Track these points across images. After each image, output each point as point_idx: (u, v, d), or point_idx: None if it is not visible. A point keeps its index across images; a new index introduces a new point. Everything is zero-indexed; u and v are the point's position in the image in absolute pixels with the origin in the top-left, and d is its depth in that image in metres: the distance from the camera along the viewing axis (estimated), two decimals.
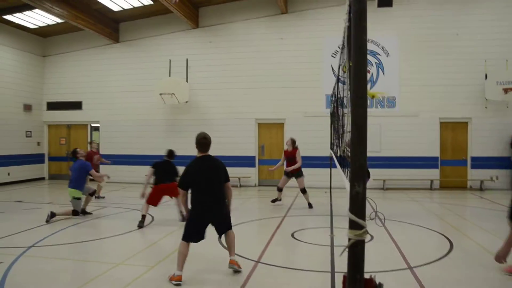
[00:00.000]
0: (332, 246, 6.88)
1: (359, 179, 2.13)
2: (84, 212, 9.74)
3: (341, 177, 5.27)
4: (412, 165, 14.97)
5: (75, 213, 9.37)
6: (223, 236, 5.69)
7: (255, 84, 15.93)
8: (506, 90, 14.18)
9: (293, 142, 11.19)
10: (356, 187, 2.13)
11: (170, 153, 9.42)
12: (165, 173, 9.01)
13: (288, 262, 6.09)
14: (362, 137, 2.16)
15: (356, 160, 2.15)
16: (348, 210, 2.16)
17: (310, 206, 10.82)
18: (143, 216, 8.63)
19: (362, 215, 2.13)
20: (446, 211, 10.83)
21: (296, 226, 8.63)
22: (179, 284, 5.04)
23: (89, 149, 13.08)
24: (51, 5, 13.78)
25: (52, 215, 8.97)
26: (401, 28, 15.30)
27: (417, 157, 14.94)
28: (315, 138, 15.13)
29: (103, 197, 12.86)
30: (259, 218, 9.80)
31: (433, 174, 15.02)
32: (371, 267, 5.74)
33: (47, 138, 18.60)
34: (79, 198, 9.39)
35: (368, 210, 2.20)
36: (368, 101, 14.97)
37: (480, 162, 14.91)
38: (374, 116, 14.65)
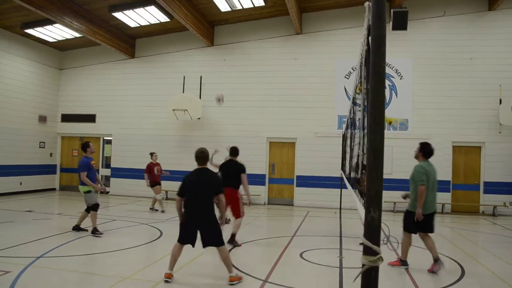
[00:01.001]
0: (341, 267, 6.80)
1: (375, 204, 2.12)
2: (78, 228, 9.17)
3: (352, 198, 5.24)
4: None
5: (88, 210, 9.06)
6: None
7: (268, 103, 16.01)
8: None
9: None
10: (372, 213, 2.11)
11: (234, 150, 8.84)
12: (228, 175, 8.37)
13: (296, 283, 6.03)
14: (378, 163, 2.15)
15: (372, 186, 2.14)
16: (363, 236, 2.15)
17: None
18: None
19: (376, 241, 2.11)
20: (458, 236, 10.66)
21: (304, 246, 8.55)
22: (167, 281, 5.70)
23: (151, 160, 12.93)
24: (70, 20, 14.10)
25: (77, 228, 9.09)
26: (415, 51, 15.33)
27: None
28: (326, 158, 15.11)
29: (157, 210, 12.83)
30: (267, 237, 9.74)
31: (445, 198, 14.83)
32: None
33: (60, 149, 18.81)
34: (89, 191, 8.98)
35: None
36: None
37: (493, 187, 14.71)
38: (386, 138, 14.29)
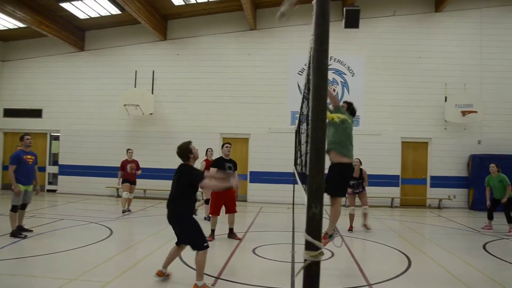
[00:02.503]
0: (293, 262, 6.84)
1: (316, 200, 2.13)
2: (21, 230, 8.33)
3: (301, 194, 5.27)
4: (374, 183, 15.15)
5: (14, 209, 8.22)
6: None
7: (221, 98, 15.90)
8: (464, 113, 14.78)
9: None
10: (313, 208, 2.12)
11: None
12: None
13: (248, 279, 6.01)
14: (320, 159, 2.17)
15: (313, 182, 2.15)
16: (305, 231, 2.15)
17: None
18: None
19: (318, 237, 2.12)
20: (406, 228, 11.04)
21: (257, 242, 8.56)
22: (156, 276, 5.62)
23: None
24: (13, 8, 13.39)
25: (20, 230, 8.36)
26: (367, 49, 15.70)
27: (379, 175, 15.19)
28: (279, 154, 15.20)
29: (130, 211, 11.99)
30: (220, 233, 9.68)
31: (394, 192, 15.33)
32: (331, 283, 5.76)
33: (2, 146, 17.90)
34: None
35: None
36: None
37: (439, 181, 15.35)
38: None
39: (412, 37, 15.68)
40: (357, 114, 15.20)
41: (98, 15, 15.50)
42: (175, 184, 5.51)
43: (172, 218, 5.49)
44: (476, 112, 14.79)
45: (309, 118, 2.39)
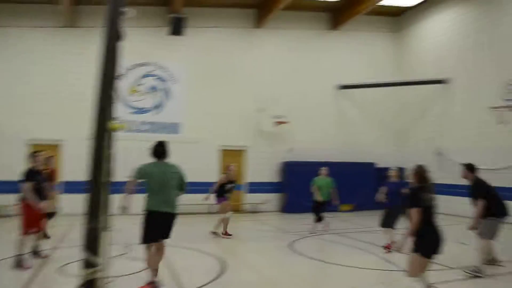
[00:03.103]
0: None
1: (94, 215, 1.99)
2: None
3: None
4: (193, 190, 15.28)
5: None
6: None
7: (28, 100, 14.18)
8: (277, 123, 16.04)
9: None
10: (91, 223, 1.98)
11: None
12: None
13: None
14: (97, 172, 2.04)
15: (91, 196, 2.02)
16: (82, 248, 1.95)
17: None
18: None
19: (95, 252, 1.96)
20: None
21: (67, 258, 7.67)
22: None
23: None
24: None
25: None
26: (189, 57, 15.91)
27: (198, 182, 15.32)
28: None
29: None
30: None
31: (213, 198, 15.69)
32: None
33: None
34: None
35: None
36: (149, 126, 14.97)
37: (255, 187, 16.32)
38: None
39: (233, 49, 16.44)
40: (177, 121, 15.42)
41: None
42: None
43: None
44: (287, 122, 16.17)
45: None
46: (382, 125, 18.34)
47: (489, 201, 6.83)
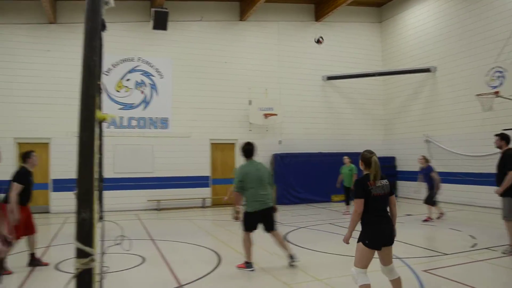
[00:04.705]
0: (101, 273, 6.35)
1: (85, 205, 1.99)
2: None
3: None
4: (185, 184, 15.37)
5: None
6: None
7: (13, 98, 13.93)
8: (266, 116, 16.02)
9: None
10: (83, 213, 2.00)
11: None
12: None
13: None
14: (88, 160, 2.04)
15: (82, 185, 2.02)
16: (75, 238, 1.97)
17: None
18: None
19: (89, 242, 1.98)
20: (217, 227, 11.44)
21: (61, 256, 7.61)
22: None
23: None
24: None
25: None
26: (175, 51, 15.78)
27: (190, 177, 15.43)
28: None
29: None
30: (20, 250, 8.48)
31: (205, 192, 15.73)
32: None
33: None
34: None
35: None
36: (142, 122, 14.89)
37: None
38: (146, 137, 14.70)
39: (219, 42, 16.35)
40: (166, 116, 15.34)
41: None
42: None
43: None
44: (276, 115, 16.18)
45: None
46: (370, 115, 18.51)
47: None
